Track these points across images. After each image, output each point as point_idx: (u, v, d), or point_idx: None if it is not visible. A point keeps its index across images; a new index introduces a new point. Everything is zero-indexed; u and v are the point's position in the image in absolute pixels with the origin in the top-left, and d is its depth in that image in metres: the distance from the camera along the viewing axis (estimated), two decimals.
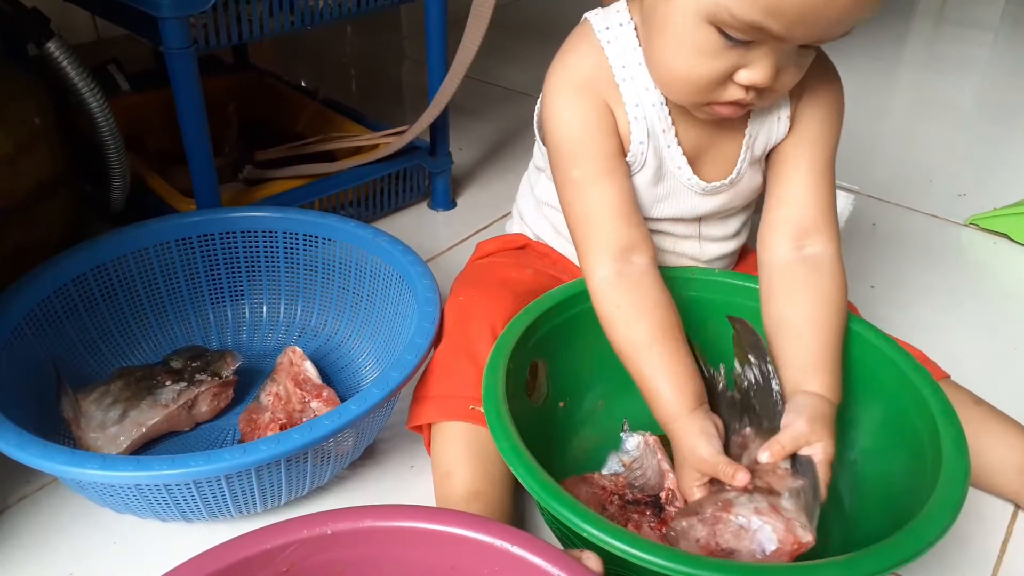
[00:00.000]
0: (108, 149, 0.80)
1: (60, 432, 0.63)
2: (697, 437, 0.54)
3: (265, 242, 0.77)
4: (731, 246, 0.69)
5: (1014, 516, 0.64)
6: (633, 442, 0.62)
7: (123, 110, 0.99)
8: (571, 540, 0.54)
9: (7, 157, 0.70)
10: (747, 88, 0.53)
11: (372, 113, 1.05)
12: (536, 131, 0.69)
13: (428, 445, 0.62)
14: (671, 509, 0.57)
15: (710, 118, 0.58)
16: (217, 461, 0.51)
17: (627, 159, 0.60)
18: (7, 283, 0.65)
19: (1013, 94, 1.44)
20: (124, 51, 1.10)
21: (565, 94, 0.59)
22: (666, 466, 0.59)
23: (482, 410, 0.56)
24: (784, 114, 0.62)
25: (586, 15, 0.61)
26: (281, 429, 0.66)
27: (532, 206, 0.73)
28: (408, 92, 1.40)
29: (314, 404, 0.68)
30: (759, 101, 0.55)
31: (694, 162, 0.61)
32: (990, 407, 0.64)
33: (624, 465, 0.62)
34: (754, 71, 0.52)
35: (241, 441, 0.67)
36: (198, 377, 0.68)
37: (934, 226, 1.02)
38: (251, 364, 0.75)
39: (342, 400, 0.68)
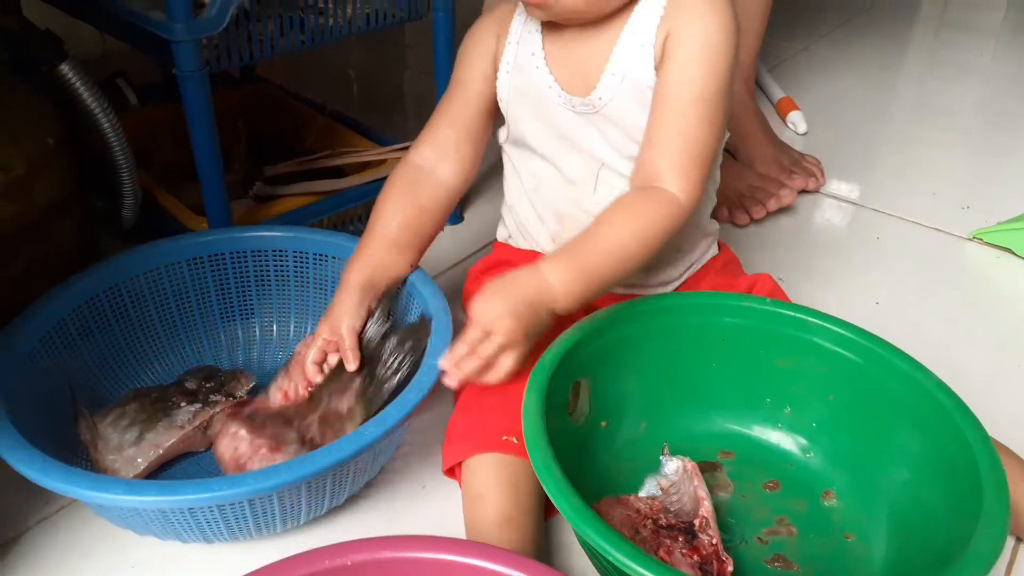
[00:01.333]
0: (120, 168, 0.80)
1: (77, 454, 0.64)
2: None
3: (275, 261, 0.78)
4: None
5: (1015, 549, 0.65)
6: (672, 466, 0.62)
7: (131, 125, 1.00)
8: (601, 563, 0.55)
9: (21, 178, 0.70)
10: None
11: (376, 123, 1.05)
12: None
13: (462, 487, 0.61)
14: (703, 537, 0.58)
15: (533, 13, 0.63)
16: (240, 485, 0.52)
17: (496, 83, 0.67)
18: (21, 300, 0.66)
19: (1015, 101, 1.45)
20: (131, 64, 1.10)
21: (479, 20, 0.70)
22: (702, 493, 0.60)
23: (515, 440, 0.57)
24: (647, 41, 0.60)
25: None
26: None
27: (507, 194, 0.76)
28: (412, 102, 1.40)
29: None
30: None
31: (561, 80, 0.64)
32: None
33: (661, 489, 0.62)
34: None
35: None
36: (212, 398, 0.69)
37: (938, 240, 1.03)
38: (262, 382, 0.75)
39: None
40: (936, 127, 1.35)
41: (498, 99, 0.68)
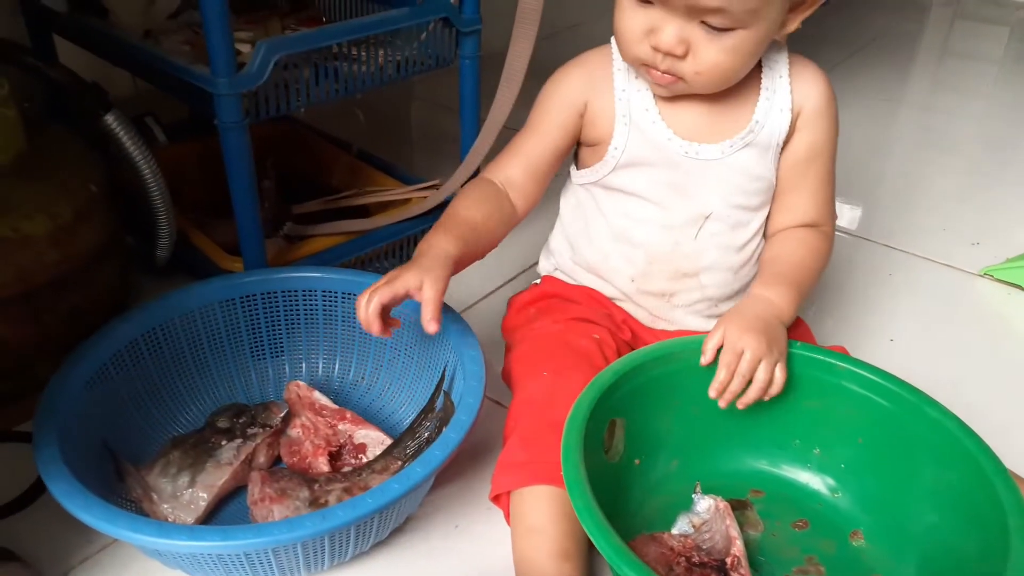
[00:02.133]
0: (158, 211, 0.83)
1: (122, 496, 0.66)
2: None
3: (305, 301, 0.80)
4: (743, 263, 0.74)
5: None
6: (704, 505, 0.64)
7: (160, 162, 1.03)
8: None
9: (67, 225, 0.73)
10: (662, 54, 0.62)
11: (399, 158, 1.08)
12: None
13: (507, 516, 0.63)
14: (735, 575, 0.60)
15: (659, 90, 0.67)
16: (298, 529, 0.54)
17: (613, 138, 0.69)
18: (66, 343, 0.68)
19: (1017, 130, 1.48)
20: (160, 102, 1.13)
21: (565, 67, 0.72)
22: (734, 532, 0.61)
23: None
24: (785, 106, 0.70)
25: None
26: (329, 455, 0.71)
27: (554, 230, 0.80)
28: (436, 139, 1.43)
29: (342, 426, 0.73)
30: (683, 75, 0.63)
31: (681, 132, 0.69)
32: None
33: (694, 527, 0.64)
34: (657, 33, 0.61)
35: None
36: (250, 431, 0.71)
37: (950, 276, 1.05)
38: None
39: (386, 433, 0.72)
40: (943, 159, 1.37)
41: (611, 149, 0.70)
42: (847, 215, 1.18)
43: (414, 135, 1.43)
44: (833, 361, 0.68)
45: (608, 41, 0.71)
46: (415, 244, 0.97)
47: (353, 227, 0.93)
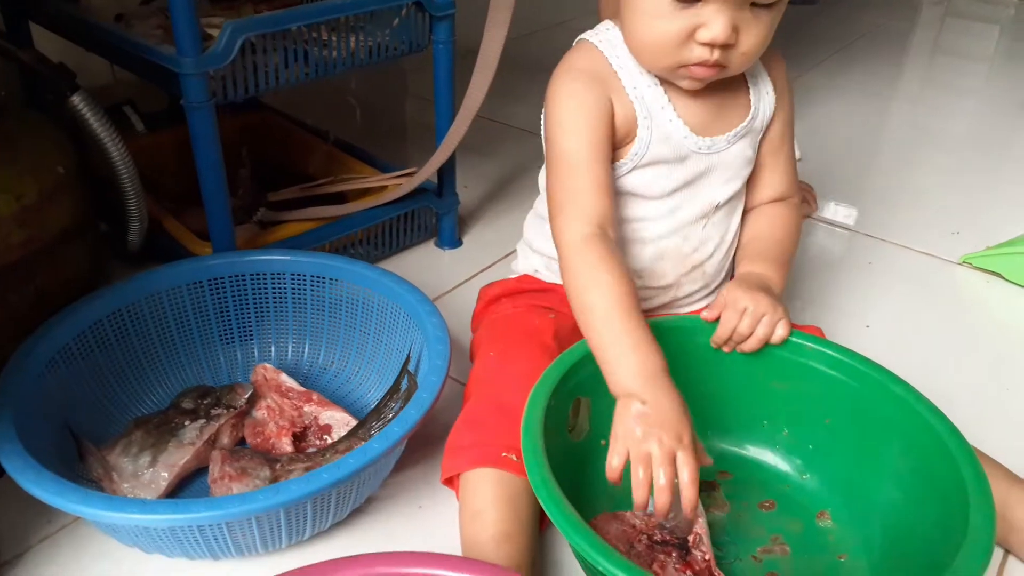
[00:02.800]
0: (127, 195, 0.83)
1: (82, 477, 0.65)
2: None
3: (274, 284, 0.80)
4: (726, 250, 0.74)
5: (1004, 558, 0.66)
6: None
7: (137, 151, 1.02)
8: None
9: (33, 205, 0.72)
10: (710, 47, 0.59)
11: (376, 148, 1.08)
12: (544, 141, 0.73)
13: (459, 498, 0.62)
14: (697, 553, 0.59)
15: (693, 84, 0.64)
16: (251, 502, 0.54)
17: (635, 141, 0.66)
18: (32, 325, 0.68)
19: (1006, 127, 1.47)
20: (138, 91, 1.13)
21: (567, 80, 0.66)
22: (698, 509, 0.60)
23: (514, 457, 0.59)
24: (769, 88, 0.70)
25: (578, 38, 0.69)
26: (294, 436, 0.70)
27: (539, 232, 0.76)
28: (413, 128, 1.43)
29: (308, 408, 0.72)
30: (729, 62, 0.61)
31: (693, 126, 0.67)
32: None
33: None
34: (711, 28, 0.58)
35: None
36: (214, 412, 0.71)
37: (929, 264, 1.05)
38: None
39: (352, 415, 0.72)
40: (929, 153, 1.37)
41: (632, 153, 0.66)
42: (830, 206, 1.18)
43: (391, 125, 1.43)
44: (800, 341, 0.68)
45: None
46: (390, 231, 0.98)
47: (327, 213, 0.92)
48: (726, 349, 0.68)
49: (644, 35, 0.61)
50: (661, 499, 0.54)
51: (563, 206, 0.64)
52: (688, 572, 0.58)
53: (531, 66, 0.73)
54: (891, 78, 1.72)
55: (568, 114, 0.65)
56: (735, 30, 0.59)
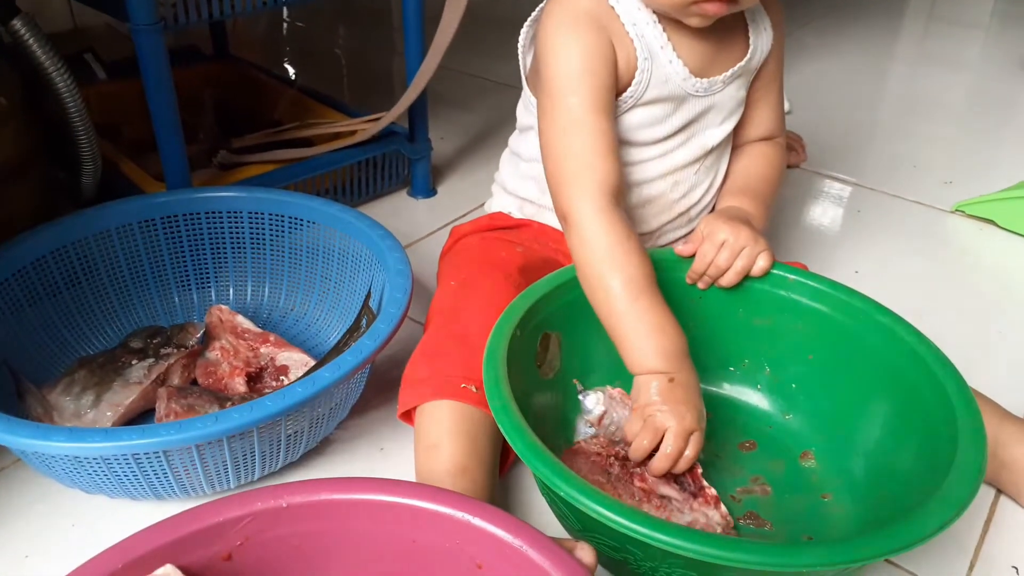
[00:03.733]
0: (77, 132, 0.78)
1: (23, 416, 0.61)
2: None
3: (230, 223, 0.76)
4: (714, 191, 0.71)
5: (996, 498, 0.63)
6: (592, 400, 0.60)
7: (99, 98, 0.99)
8: (559, 507, 0.52)
9: None
10: None
11: (346, 95, 1.04)
12: (525, 82, 0.69)
13: (416, 433, 0.59)
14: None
15: (703, 21, 0.59)
16: (188, 430, 0.50)
17: (632, 84, 0.61)
18: None
19: (1002, 89, 1.44)
20: (103, 41, 1.09)
21: (565, 26, 0.60)
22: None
23: (474, 388, 0.55)
24: (767, 25, 0.67)
25: None
26: (248, 376, 0.67)
27: (514, 172, 0.73)
28: (398, 85, 1.39)
29: (264, 349, 0.69)
30: None
31: (692, 68, 0.63)
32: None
33: (592, 425, 0.60)
34: None
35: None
36: (164, 351, 0.67)
37: (920, 213, 1.01)
38: None
39: (312, 356, 0.68)
40: (923, 110, 1.33)
41: (627, 96, 0.62)
42: (816, 155, 1.14)
43: (363, 73, 1.39)
44: (782, 274, 0.64)
45: None
46: (360, 177, 0.94)
47: (288, 155, 0.88)
48: (701, 285, 0.64)
49: None
50: (660, 464, 0.54)
51: (575, 175, 0.58)
52: (671, 479, 0.56)
53: (507, 19, 0.68)
54: (885, 36, 1.69)
55: (570, 65, 0.59)
56: None
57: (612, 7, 0.60)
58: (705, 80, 0.63)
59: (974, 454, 0.49)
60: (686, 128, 0.66)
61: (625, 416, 0.59)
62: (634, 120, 0.64)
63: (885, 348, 0.59)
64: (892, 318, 0.60)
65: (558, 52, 0.60)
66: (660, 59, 0.61)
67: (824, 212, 1.01)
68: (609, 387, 0.60)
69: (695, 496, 0.56)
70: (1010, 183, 1.04)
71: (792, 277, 0.64)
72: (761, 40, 0.67)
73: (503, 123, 1.19)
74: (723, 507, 0.56)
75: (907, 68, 1.55)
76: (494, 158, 1.09)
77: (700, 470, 0.58)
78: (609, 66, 0.60)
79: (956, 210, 1.00)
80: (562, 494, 0.45)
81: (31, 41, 0.73)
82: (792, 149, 1.09)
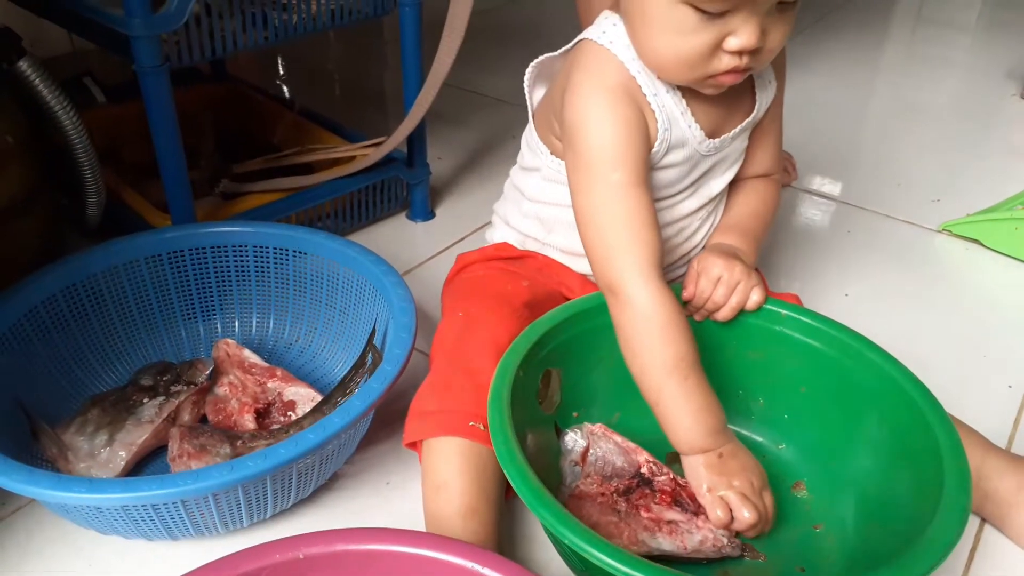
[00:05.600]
0: (82, 166, 0.80)
1: (36, 457, 0.63)
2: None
3: (236, 257, 0.77)
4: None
5: (980, 527, 0.65)
6: (571, 438, 0.62)
7: (99, 122, 0.99)
8: (572, 559, 0.55)
9: None
10: (740, 54, 0.56)
11: (353, 122, 1.05)
12: (532, 122, 0.70)
13: (422, 464, 0.61)
14: (660, 479, 0.60)
15: (716, 90, 0.60)
16: (204, 479, 0.51)
17: (652, 151, 0.62)
18: None
19: (988, 96, 1.46)
20: (100, 63, 1.09)
21: (598, 98, 0.60)
22: (631, 444, 0.61)
23: (481, 427, 0.57)
24: (771, 77, 0.68)
25: (579, 37, 0.63)
26: (256, 412, 0.68)
27: (516, 209, 0.74)
28: (389, 100, 1.40)
29: (272, 384, 0.71)
30: (756, 63, 0.58)
31: (706, 129, 0.64)
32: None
33: (577, 464, 0.62)
34: (741, 36, 0.54)
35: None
36: (174, 388, 0.68)
37: (908, 232, 1.04)
38: None
39: (317, 390, 0.70)
40: (910, 122, 1.35)
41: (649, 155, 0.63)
42: (807, 174, 1.16)
43: (361, 95, 1.40)
44: (775, 309, 0.66)
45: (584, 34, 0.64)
46: (359, 202, 0.95)
47: (291, 184, 0.89)
48: (697, 317, 0.66)
49: (667, 52, 0.56)
50: (746, 524, 0.57)
51: (624, 247, 0.59)
52: (667, 499, 0.59)
53: (504, 35, 0.70)
54: (874, 46, 1.71)
55: (611, 138, 0.60)
56: (763, 31, 0.55)
57: (634, 77, 0.61)
58: (716, 140, 0.65)
59: (959, 496, 0.51)
60: (694, 182, 0.68)
61: (610, 449, 0.62)
62: (655, 177, 0.65)
63: (876, 385, 0.62)
64: (881, 355, 0.62)
65: (596, 125, 0.60)
66: (680, 125, 0.63)
67: (815, 232, 1.04)
68: (587, 424, 0.63)
69: (696, 515, 0.59)
70: (996, 199, 1.06)
71: (784, 312, 0.66)
72: (766, 94, 0.68)
73: (500, 140, 1.21)
74: None
75: (894, 76, 1.57)
76: (492, 177, 1.12)
77: (678, 478, 0.61)
78: (645, 138, 0.61)
79: (943, 229, 1.03)
80: (567, 542, 0.48)
81: (37, 82, 0.74)
82: (783, 169, 1.11)
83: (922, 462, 0.56)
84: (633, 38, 0.59)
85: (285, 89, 1.24)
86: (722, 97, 0.63)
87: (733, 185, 0.73)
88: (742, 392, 0.69)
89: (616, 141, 0.60)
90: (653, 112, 0.61)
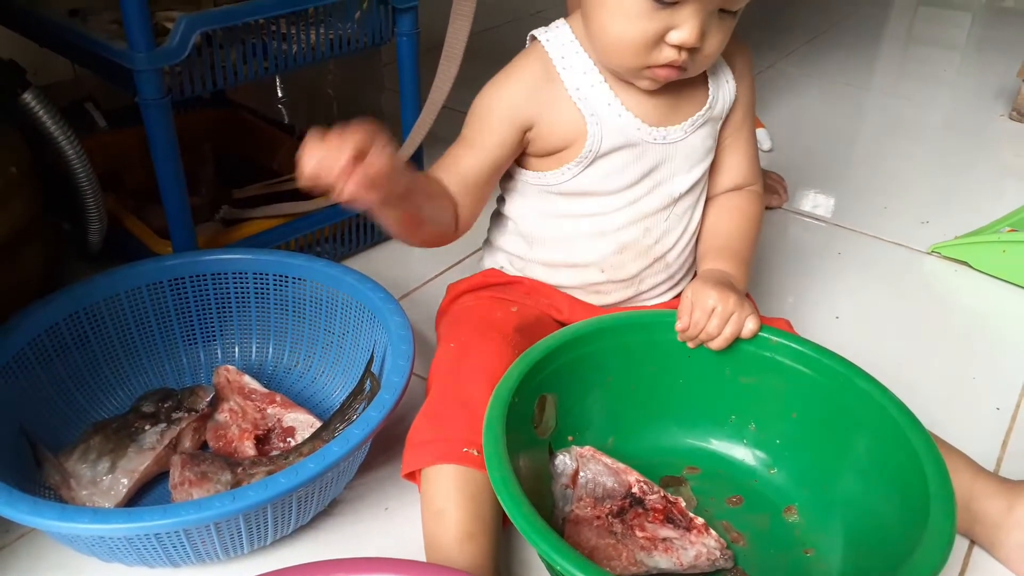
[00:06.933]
0: (84, 194, 0.81)
1: (39, 484, 0.64)
2: None
3: (236, 283, 0.79)
4: (688, 241, 0.74)
5: (970, 549, 0.66)
6: (560, 461, 0.64)
7: (100, 148, 1.00)
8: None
9: None
10: (679, 48, 0.60)
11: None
12: None
13: (421, 493, 0.62)
14: (652, 497, 0.61)
15: (653, 85, 0.64)
16: (206, 509, 0.52)
17: (587, 140, 0.66)
18: None
19: (977, 117, 1.48)
20: (101, 88, 1.11)
21: (498, 84, 0.68)
22: (620, 464, 0.63)
23: (475, 452, 0.58)
24: (729, 77, 0.71)
25: (531, 32, 0.69)
26: (256, 439, 0.69)
27: (501, 228, 0.76)
28: (388, 124, 1.40)
29: (271, 410, 0.71)
30: (691, 64, 0.62)
31: (647, 119, 0.67)
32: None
33: (568, 487, 0.63)
34: (683, 31, 0.59)
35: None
36: (175, 415, 0.69)
37: (898, 254, 1.05)
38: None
39: (316, 416, 0.71)
40: (900, 142, 1.37)
41: (586, 151, 0.66)
42: (798, 195, 1.18)
43: (386, 125, 1.41)
44: (766, 336, 0.67)
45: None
46: (355, 228, 0.97)
47: (291, 210, 0.91)
48: (691, 345, 0.67)
49: (616, 34, 0.61)
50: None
51: (432, 170, 0.68)
52: (660, 517, 0.61)
53: (502, 56, 0.71)
54: (864, 67, 1.73)
55: (482, 107, 0.68)
56: (704, 34, 0.60)
57: (559, 73, 0.66)
58: (662, 129, 0.67)
59: (944, 521, 0.53)
60: (650, 175, 0.69)
61: (600, 471, 0.63)
62: (599, 171, 0.68)
63: (864, 412, 0.63)
64: (871, 383, 0.63)
65: (482, 96, 0.68)
66: (607, 115, 0.66)
67: (805, 254, 1.05)
68: (576, 447, 0.64)
69: (688, 530, 0.60)
70: (985, 220, 1.08)
71: (776, 339, 0.67)
72: (722, 90, 0.70)
73: None
74: (713, 532, 0.61)
75: (884, 96, 1.59)
76: (488, 201, 1.12)
77: (684, 504, 0.62)
78: (514, 126, 0.66)
79: (932, 251, 1.04)
80: (559, 569, 0.48)
81: (41, 113, 0.75)
82: (773, 191, 1.12)
83: (908, 487, 0.57)
84: (586, 20, 0.64)
85: (284, 113, 1.25)
86: (663, 90, 0.66)
87: (710, 201, 0.75)
88: (735, 417, 0.70)
89: (480, 110, 0.67)
90: (575, 104, 0.65)
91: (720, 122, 0.72)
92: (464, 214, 0.68)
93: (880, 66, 1.77)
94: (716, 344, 0.66)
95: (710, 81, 0.69)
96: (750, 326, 0.66)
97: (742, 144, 0.74)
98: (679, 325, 0.66)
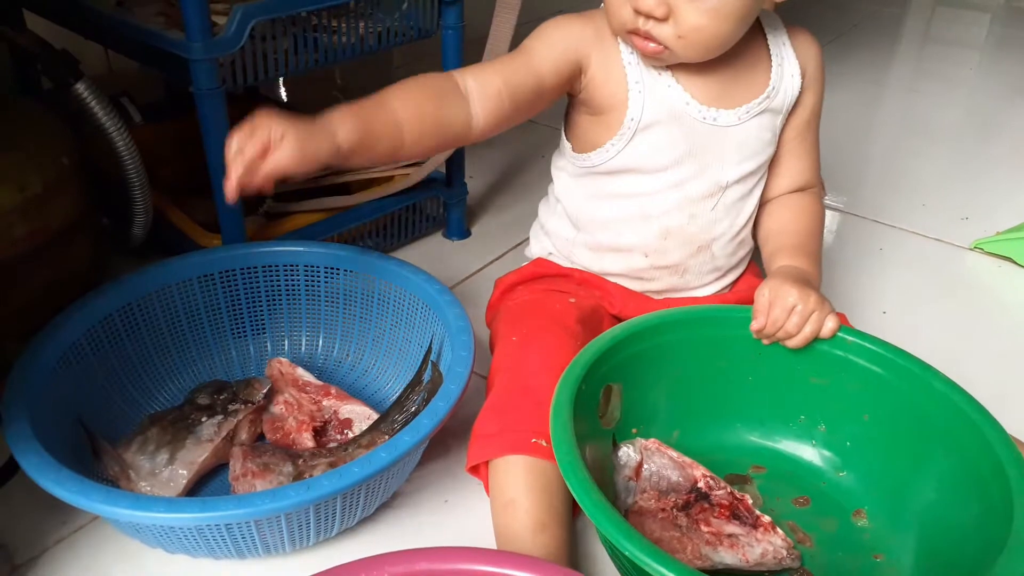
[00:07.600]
0: (133, 186, 0.80)
1: (98, 475, 0.63)
2: None
3: (286, 276, 0.78)
4: (741, 232, 0.73)
5: None
6: (624, 453, 0.63)
7: (136, 142, 1.00)
8: (622, 562, 0.55)
9: (37, 197, 0.70)
10: (645, 16, 0.60)
11: None
12: (563, 135, 0.73)
13: (487, 488, 0.61)
14: (718, 493, 0.61)
15: (647, 61, 0.65)
16: (282, 499, 0.52)
17: (629, 106, 0.66)
18: (38, 320, 0.65)
19: (1002, 112, 1.48)
20: (135, 83, 1.10)
21: (568, 18, 0.67)
22: (686, 459, 0.62)
23: (544, 443, 0.58)
24: (795, 71, 0.70)
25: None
26: (314, 430, 0.69)
27: (550, 210, 0.76)
28: None
29: (327, 402, 0.71)
30: (667, 42, 0.61)
31: (698, 96, 0.66)
32: None
33: (631, 479, 0.62)
34: None
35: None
36: (231, 407, 0.69)
37: (940, 250, 1.05)
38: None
39: (372, 408, 0.70)
40: (926, 140, 1.37)
41: (627, 119, 0.66)
42: (835, 192, 1.17)
43: None
44: (840, 335, 0.65)
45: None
46: (398, 221, 0.96)
47: (335, 204, 0.90)
48: (766, 341, 0.66)
49: None
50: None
51: (473, 65, 0.67)
52: (726, 513, 0.60)
53: None
54: (886, 66, 1.73)
55: (545, 28, 0.67)
56: (666, 6, 0.59)
57: (617, 40, 0.66)
58: (712, 110, 0.66)
59: None
60: (696, 156, 0.67)
61: (664, 464, 0.63)
62: (642, 145, 0.67)
63: (942, 416, 0.61)
64: (950, 386, 0.61)
65: (540, 30, 0.67)
66: (655, 84, 0.66)
67: (847, 251, 1.05)
68: (640, 439, 0.63)
69: (755, 527, 0.60)
70: (1022, 216, 1.08)
71: (851, 339, 0.65)
72: (785, 83, 0.69)
73: (533, 160, 1.22)
74: (780, 531, 0.60)
75: (907, 94, 1.59)
76: (525, 197, 1.12)
77: (751, 501, 0.61)
78: (571, 56, 0.65)
79: (975, 247, 1.04)
80: (628, 555, 0.47)
81: (93, 104, 0.75)
82: None
83: (990, 499, 0.55)
84: None
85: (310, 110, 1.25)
86: (720, 70, 0.66)
87: (778, 201, 0.74)
88: (804, 417, 0.68)
89: (543, 30, 0.66)
90: (623, 67, 0.65)
91: (780, 116, 0.70)
92: (489, 121, 0.64)
93: (901, 65, 1.77)
94: (794, 343, 0.65)
95: (773, 71, 0.68)
96: (830, 325, 0.64)
97: (807, 148, 0.73)
98: (756, 324, 0.65)
